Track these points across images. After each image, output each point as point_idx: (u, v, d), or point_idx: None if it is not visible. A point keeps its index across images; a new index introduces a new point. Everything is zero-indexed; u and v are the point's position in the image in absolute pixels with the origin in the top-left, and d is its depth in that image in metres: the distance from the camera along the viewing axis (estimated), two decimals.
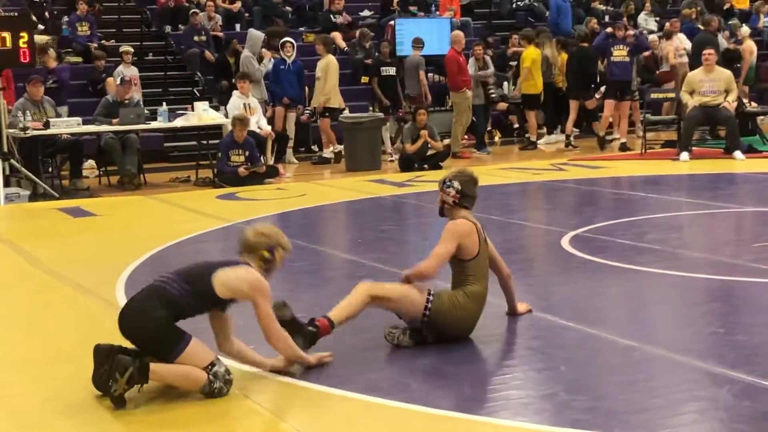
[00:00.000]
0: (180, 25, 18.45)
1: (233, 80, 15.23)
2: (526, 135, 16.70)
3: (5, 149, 12.28)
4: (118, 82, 13.93)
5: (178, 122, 13.58)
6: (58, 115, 12.99)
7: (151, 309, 4.59)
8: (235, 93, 14.21)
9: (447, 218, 5.55)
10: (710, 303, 6.37)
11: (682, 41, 17.87)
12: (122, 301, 6.00)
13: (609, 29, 15.90)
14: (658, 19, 20.66)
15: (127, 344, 4.68)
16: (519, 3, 21.57)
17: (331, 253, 8.67)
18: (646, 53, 17.27)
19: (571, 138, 15.97)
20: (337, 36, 17.84)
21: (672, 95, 15.79)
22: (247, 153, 12.76)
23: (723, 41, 17.65)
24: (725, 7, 21.66)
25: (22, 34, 12.36)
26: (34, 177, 12.23)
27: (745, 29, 18.40)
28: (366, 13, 20.21)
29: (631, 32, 15.96)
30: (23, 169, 12.27)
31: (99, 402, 4.61)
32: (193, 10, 17.94)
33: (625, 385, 4.66)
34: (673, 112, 16.24)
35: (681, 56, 17.62)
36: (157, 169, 14.48)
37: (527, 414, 4.34)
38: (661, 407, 4.32)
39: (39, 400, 4.75)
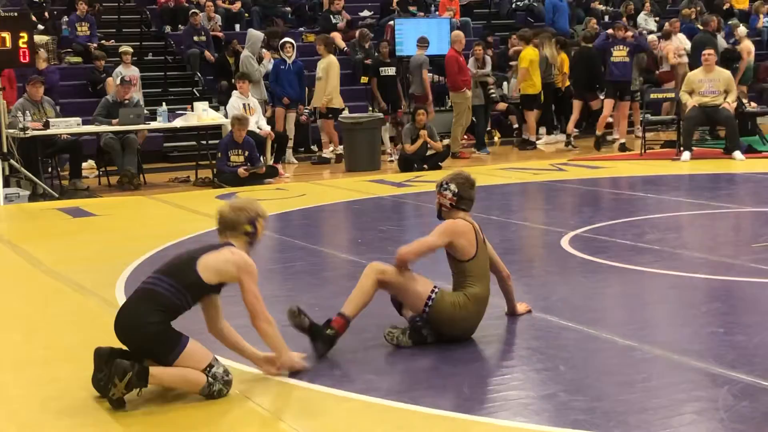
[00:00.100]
0: (180, 26, 18.47)
1: (233, 80, 15.24)
2: (523, 136, 16.71)
3: (5, 149, 12.28)
4: (118, 82, 13.94)
5: (178, 122, 13.58)
6: (58, 116, 12.99)
7: (145, 314, 4.58)
8: (235, 93, 14.21)
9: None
10: (710, 303, 6.37)
11: (682, 41, 17.88)
12: (122, 301, 6.00)
13: (610, 30, 15.90)
14: (657, 19, 20.66)
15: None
16: (518, 3, 21.57)
17: (330, 253, 8.67)
18: (644, 54, 17.27)
19: (572, 138, 15.98)
20: (336, 36, 17.85)
21: (672, 95, 15.79)
22: (246, 153, 12.77)
23: (722, 41, 17.67)
24: (725, 7, 21.67)
25: (21, 34, 12.37)
26: (33, 177, 12.23)
27: (742, 29, 18.40)
28: (365, 13, 20.22)
29: (630, 33, 15.97)
30: (23, 169, 12.28)
31: (99, 403, 4.61)
32: (192, 11, 17.95)
33: (625, 385, 4.66)
34: (672, 113, 16.24)
35: (681, 56, 17.63)
36: (156, 170, 14.49)
37: (527, 414, 4.34)
38: (660, 407, 4.32)
39: (39, 400, 4.75)
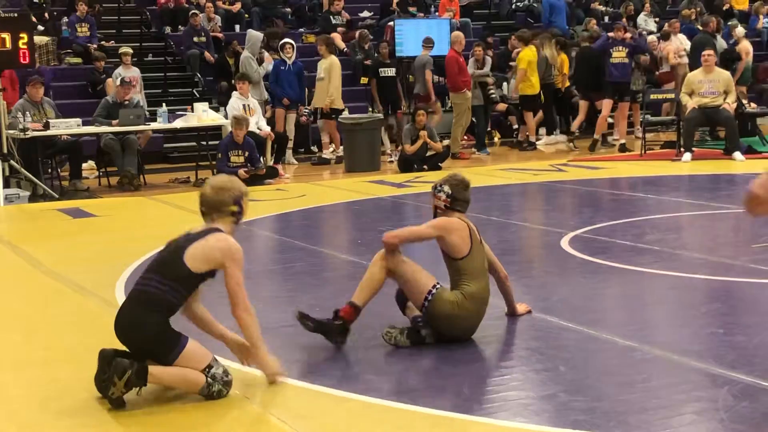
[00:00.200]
0: (180, 26, 18.46)
1: (233, 81, 15.24)
2: (520, 137, 16.70)
3: (5, 150, 12.28)
4: (118, 83, 13.94)
5: (178, 123, 13.58)
6: (58, 116, 12.99)
7: (143, 317, 4.57)
8: (235, 94, 14.20)
9: None
10: (710, 304, 6.38)
11: (682, 42, 17.87)
12: (122, 301, 6.00)
13: (611, 33, 15.88)
14: (657, 20, 20.66)
15: None
16: (518, 4, 21.57)
17: (330, 253, 8.67)
18: (644, 56, 17.26)
19: (575, 136, 15.97)
20: (336, 37, 17.85)
21: (672, 96, 15.79)
22: (246, 154, 12.77)
23: (722, 42, 17.66)
24: (724, 8, 21.67)
25: (21, 35, 12.36)
26: (33, 178, 12.23)
27: (740, 30, 18.39)
28: (365, 14, 20.22)
29: (629, 34, 15.95)
30: (23, 170, 12.28)
31: (99, 403, 4.61)
32: (192, 11, 17.95)
33: (625, 385, 4.66)
34: (672, 113, 16.23)
35: (681, 57, 17.63)
36: (156, 170, 14.49)
37: (526, 414, 4.34)
38: (660, 408, 4.33)
39: (39, 400, 4.75)
